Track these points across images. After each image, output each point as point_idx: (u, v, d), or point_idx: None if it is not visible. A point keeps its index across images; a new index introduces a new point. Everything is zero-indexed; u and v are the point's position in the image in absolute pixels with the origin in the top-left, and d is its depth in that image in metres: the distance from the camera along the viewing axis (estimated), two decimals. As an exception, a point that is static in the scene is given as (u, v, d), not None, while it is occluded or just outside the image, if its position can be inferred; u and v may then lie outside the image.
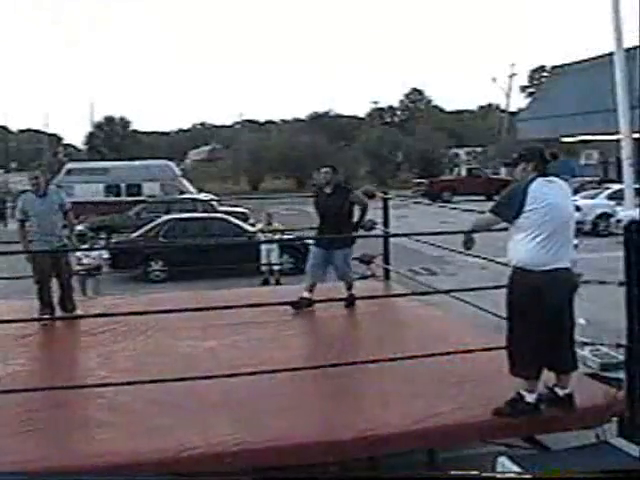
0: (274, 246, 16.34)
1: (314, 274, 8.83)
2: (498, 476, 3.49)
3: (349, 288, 8.77)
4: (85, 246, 12.42)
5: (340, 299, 8.63)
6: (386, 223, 10.27)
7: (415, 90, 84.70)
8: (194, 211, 21.49)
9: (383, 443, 5.14)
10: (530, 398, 5.33)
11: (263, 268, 16.11)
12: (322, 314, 8.22)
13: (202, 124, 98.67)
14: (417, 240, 11.42)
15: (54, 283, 8.65)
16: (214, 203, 23.78)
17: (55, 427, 5.40)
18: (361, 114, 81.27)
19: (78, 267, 11.96)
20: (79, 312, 8.54)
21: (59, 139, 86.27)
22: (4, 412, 5.40)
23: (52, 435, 5.28)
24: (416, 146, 55.35)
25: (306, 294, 8.50)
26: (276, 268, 16.13)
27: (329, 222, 8.75)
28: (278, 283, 15.44)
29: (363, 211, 8.80)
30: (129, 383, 5.52)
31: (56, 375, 6.65)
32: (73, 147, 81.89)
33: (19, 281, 9.53)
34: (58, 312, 8.50)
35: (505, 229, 5.39)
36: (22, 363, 6.81)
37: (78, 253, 12.07)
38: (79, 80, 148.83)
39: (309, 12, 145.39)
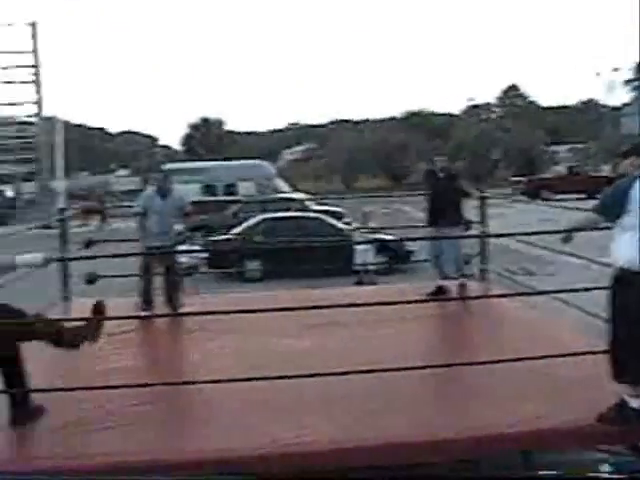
0: (370, 245, 16.33)
1: (434, 264, 9.77)
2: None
3: (460, 283, 9.48)
4: (185, 246, 12.62)
5: (439, 299, 8.97)
6: (483, 221, 10.14)
7: (512, 86, 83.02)
8: (288, 210, 21.68)
9: (481, 445, 5.04)
10: (635, 404, 5.12)
11: (358, 268, 16.10)
12: (419, 313, 8.12)
13: (296, 124, 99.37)
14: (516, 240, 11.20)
15: (158, 281, 8.95)
16: (308, 202, 23.92)
17: (154, 421, 5.52)
18: (455, 111, 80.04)
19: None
20: (186, 309, 8.81)
21: (155, 140, 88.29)
22: (114, 408, 5.54)
23: (159, 429, 5.39)
24: (513, 143, 54.35)
25: (441, 283, 9.51)
26: (371, 268, 16.11)
27: (438, 201, 9.71)
28: (373, 283, 15.41)
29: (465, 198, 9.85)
30: (224, 381, 5.57)
31: (151, 372, 6.81)
32: (169, 148, 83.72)
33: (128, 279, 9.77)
34: (161, 309, 8.77)
35: (607, 228, 5.21)
36: (116, 360, 6.91)
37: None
38: (175, 81, 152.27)
39: (408, 10, 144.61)
